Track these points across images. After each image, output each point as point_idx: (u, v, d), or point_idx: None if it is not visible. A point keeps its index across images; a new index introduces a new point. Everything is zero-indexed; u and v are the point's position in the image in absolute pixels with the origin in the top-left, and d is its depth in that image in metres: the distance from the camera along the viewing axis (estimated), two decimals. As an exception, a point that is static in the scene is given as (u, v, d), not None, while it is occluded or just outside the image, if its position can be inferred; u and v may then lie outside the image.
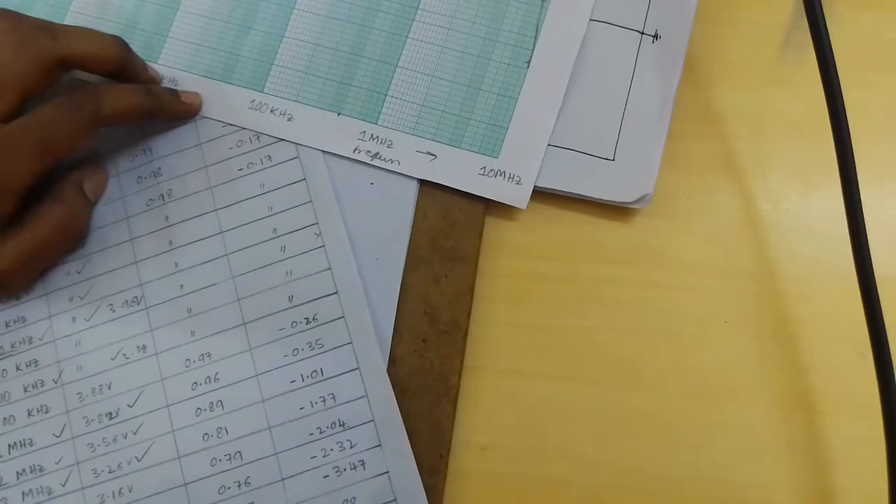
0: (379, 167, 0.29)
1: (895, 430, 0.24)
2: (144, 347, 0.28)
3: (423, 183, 0.29)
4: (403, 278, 0.28)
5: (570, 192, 0.29)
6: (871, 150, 0.29)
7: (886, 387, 0.24)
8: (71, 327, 0.29)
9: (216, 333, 0.28)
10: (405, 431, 0.26)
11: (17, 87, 0.25)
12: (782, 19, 0.31)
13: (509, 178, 0.29)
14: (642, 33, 0.30)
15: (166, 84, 0.31)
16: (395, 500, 0.25)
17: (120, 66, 0.28)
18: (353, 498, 0.25)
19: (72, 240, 0.29)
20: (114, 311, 0.29)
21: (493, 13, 0.30)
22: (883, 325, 0.24)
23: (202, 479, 0.26)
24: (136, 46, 0.31)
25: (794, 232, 0.29)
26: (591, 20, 0.30)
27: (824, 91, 0.25)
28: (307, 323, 0.27)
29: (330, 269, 0.28)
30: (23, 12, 0.28)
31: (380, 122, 0.30)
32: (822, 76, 0.25)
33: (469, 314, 0.28)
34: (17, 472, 0.27)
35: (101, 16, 0.32)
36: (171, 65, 0.31)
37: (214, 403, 0.27)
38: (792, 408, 0.27)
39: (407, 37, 0.30)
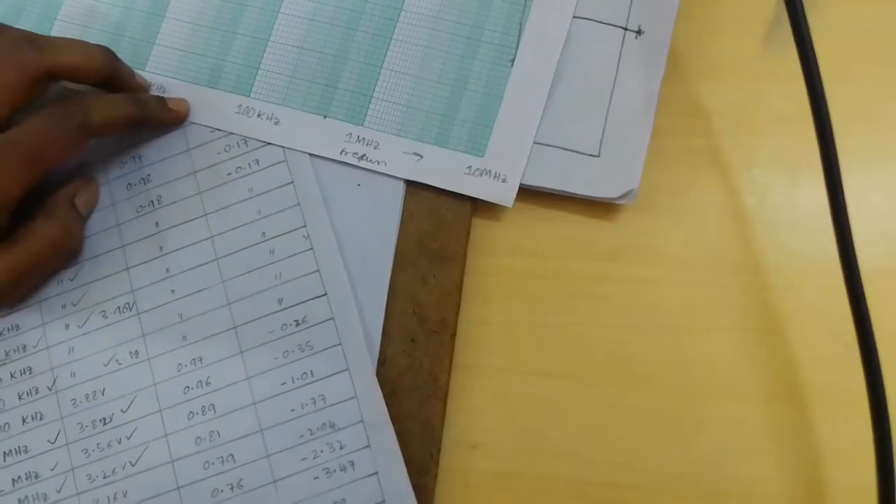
0: (366, 168, 0.29)
1: (882, 421, 0.24)
2: (137, 353, 0.28)
3: (410, 183, 0.29)
4: (391, 279, 0.28)
5: (556, 190, 0.29)
6: (857, 142, 0.29)
7: (873, 378, 0.24)
8: (64, 334, 0.29)
9: (207, 338, 0.28)
10: (394, 432, 0.26)
11: (3, 101, 0.26)
12: (765, 13, 0.31)
13: (495, 176, 0.29)
14: (625, 29, 0.30)
15: (154, 91, 0.31)
16: (384, 501, 0.25)
17: (107, 75, 0.28)
18: (343, 499, 0.25)
19: (65, 255, 0.29)
20: (106, 317, 0.29)
21: (477, 13, 0.30)
22: (868, 317, 0.24)
23: (195, 482, 0.26)
24: (124, 54, 0.31)
25: (780, 225, 0.29)
26: (574, 17, 0.30)
27: (806, 85, 0.25)
28: (297, 325, 0.28)
29: (318, 271, 0.28)
30: (9, 23, 0.28)
31: (366, 123, 0.30)
32: (804, 71, 0.25)
33: (457, 313, 0.28)
34: (13, 479, 0.27)
35: (89, 24, 0.32)
36: (159, 72, 0.32)
37: (206, 407, 0.27)
38: (780, 401, 0.27)
39: (391, 38, 0.30)
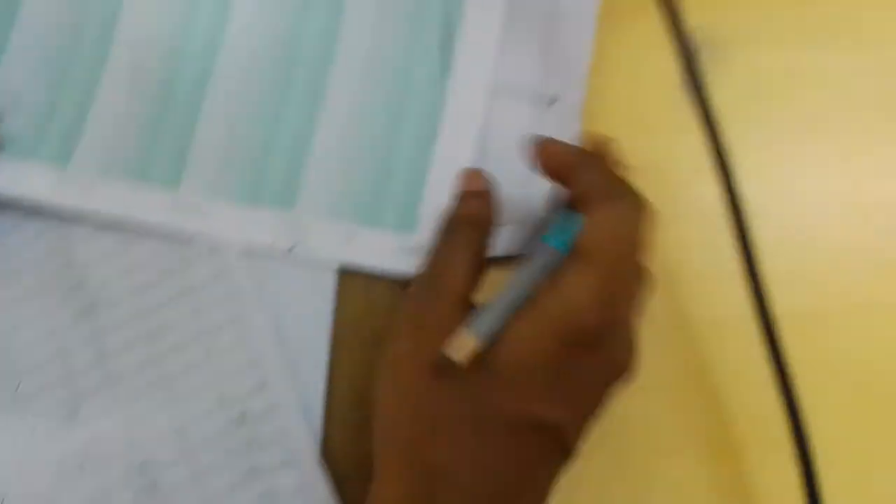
0: (298, 257, 0.30)
1: (808, 468, 0.25)
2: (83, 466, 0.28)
3: (344, 267, 0.30)
4: (330, 365, 0.28)
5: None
6: (770, 188, 0.30)
7: (795, 426, 0.25)
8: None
9: (152, 440, 0.28)
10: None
11: None
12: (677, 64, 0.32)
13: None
14: (540, 99, 0.31)
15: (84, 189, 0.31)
16: None
17: None
18: None
19: None
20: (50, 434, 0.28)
21: (398, 97, 0.31)
22: (785, 364, 0.26)
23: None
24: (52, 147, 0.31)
25: (703, 279, 0.29)
26: (489, 92, 0.31)
27: (707, 141, 0.26)
28: (240, 421, 0.28)
29: (256, 363, 0.28)
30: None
31: (295, 210, 0.30)
32: (704, 128, 0.26)
33: (399, 393, 0.28)
34: None
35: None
36: (86, 167, 0.31)
37: (157, 513, 0.27)
38: (718, 456, 0.28)
39: (316, 126, 0.31)
